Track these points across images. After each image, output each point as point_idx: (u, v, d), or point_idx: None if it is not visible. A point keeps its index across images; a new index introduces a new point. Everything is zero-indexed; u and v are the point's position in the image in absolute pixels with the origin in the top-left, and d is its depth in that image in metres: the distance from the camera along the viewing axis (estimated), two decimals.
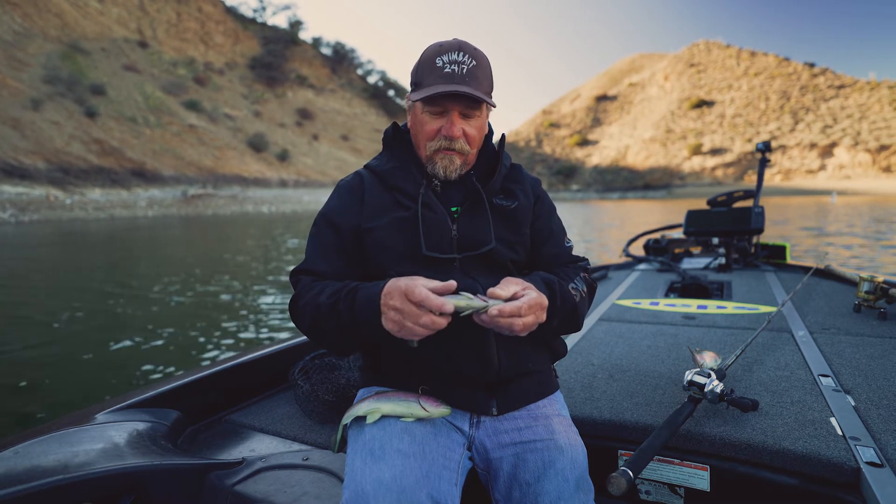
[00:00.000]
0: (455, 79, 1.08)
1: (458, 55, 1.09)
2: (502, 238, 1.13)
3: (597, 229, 22.25)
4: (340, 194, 1.23)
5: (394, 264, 1.09)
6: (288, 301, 1.14)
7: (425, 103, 1.13)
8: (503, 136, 1.29)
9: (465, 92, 1.06)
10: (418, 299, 0.88)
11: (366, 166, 1.28)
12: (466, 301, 0.91)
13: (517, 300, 0.94)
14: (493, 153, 1.27)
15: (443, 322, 0.90)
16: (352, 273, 1.15)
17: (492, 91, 1.17)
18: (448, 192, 1.20)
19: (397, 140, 1.26)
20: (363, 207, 1.18)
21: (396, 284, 0.92)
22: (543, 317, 0.98)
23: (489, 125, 1.27)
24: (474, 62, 1.10)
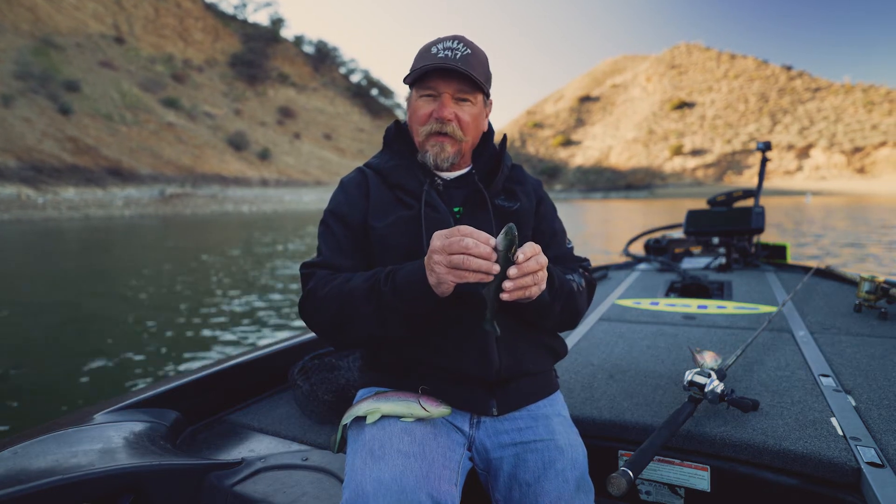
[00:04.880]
0: (448, 62, 1.09)
1: (452, 43, 1.11)
2: None
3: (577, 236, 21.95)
4: (346, 190, 1.23)
5: (398, 262, 1.07)
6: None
7: (418, 87, 1.14)
8: (504, 136, 1.30)
9: (454, 67, 1.07)
10: (464, 232, 0.88)
11: (366, 164, 1.28)
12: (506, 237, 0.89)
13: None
14: (494, 154, 1.27)
15: (489, 252, 0.87)
16: (365, 267, 1.15)
17: (488, 85, 1.17)
18: (450, 191, 1.20)
19: (399, 138, 1.26)
20: (369, 203, 1.18)
21: (438, 233, 0.93)
22: (543, 281, 0.96)
23: (490, 125, 1.28)
24: (469, 51, 1.11)
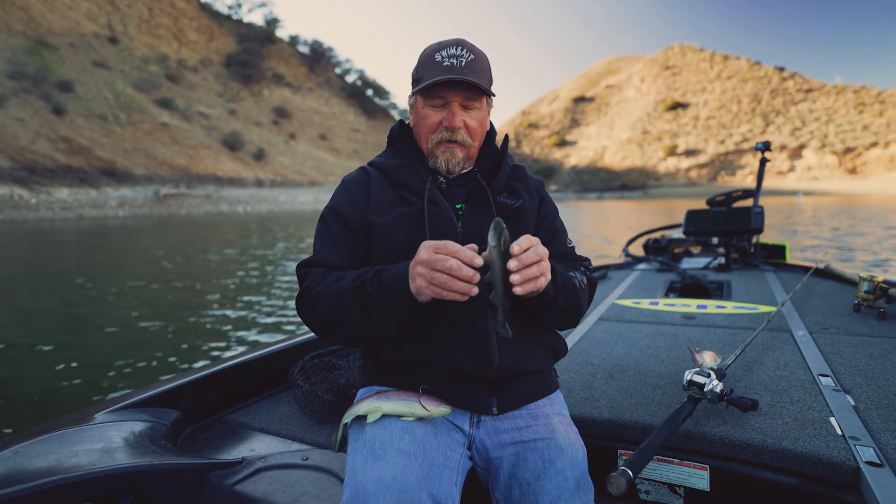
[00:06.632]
0: (454, 70, 1.10)
1: (456, 49, 1.12)
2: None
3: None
4: (347, 188, 1.23)
5: (399, 259, 1.07)
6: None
7: (426, 97, 1.15)
8: (506, 136, 1.31)
9: (463, 79, 1.09)
10: (450, 250, 0.89)
11: (370, 163, 1.29)
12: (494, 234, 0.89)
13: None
14: (496, 153, 1.28)
15: (472, 274, 0.88)
16: (362, 266, 1.14)
17: (491, 87, 1.19)
18: (453, 189, 1.21)
19: (403, 137, 1.27)
20: (370, 201, 1.19)
21: (425, 243, 0.93)
22: (548, 271, 0.96)
23: (491, 124, 1.29)
24: (473, 56, 1.12)
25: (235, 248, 16.51)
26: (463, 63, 1.10)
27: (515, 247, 0.89)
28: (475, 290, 0.89)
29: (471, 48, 1.13)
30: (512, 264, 0.88)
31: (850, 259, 10.84)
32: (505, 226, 0.89)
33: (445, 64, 1.10)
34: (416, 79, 1.16)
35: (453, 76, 1.08)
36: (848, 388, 1.50)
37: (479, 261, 0.88)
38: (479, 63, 1.13)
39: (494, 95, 1.20)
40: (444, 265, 0.87)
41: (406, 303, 0.97)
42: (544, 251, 0.94)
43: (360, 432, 1.06)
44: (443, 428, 1.09)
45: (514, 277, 0.88)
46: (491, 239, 0.88)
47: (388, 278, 0.99)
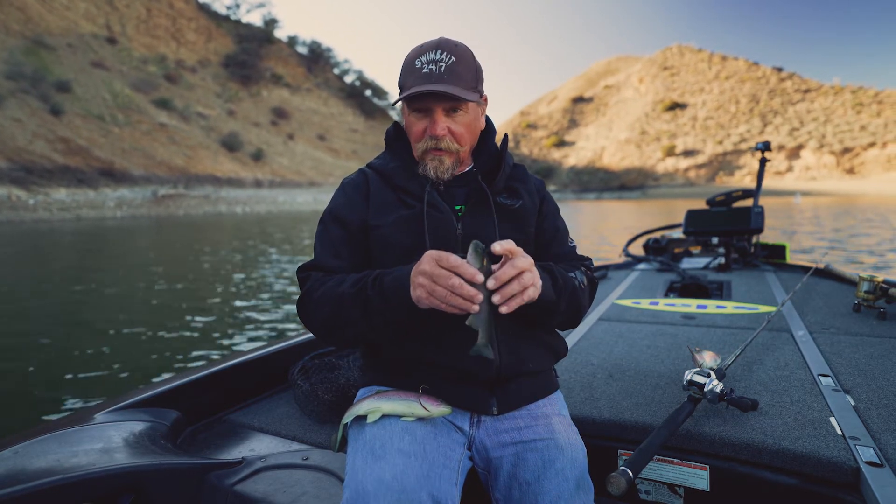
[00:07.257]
0: (433, 78, 1.07)
1: (435, 54, 1.09)
2: (507, 237, 1.10)
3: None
4: (346, 191, 1.23)
5: (398, 262, 1.06)
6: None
7: (409, 105, 1.14)
8: (506, 135, 1.30)
9: (436, 90, 1.06)
10: (451, 265, 0.87)
11: (368, 165, 1.28)
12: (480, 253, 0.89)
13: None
14: (495, 152, 1.27)
15: (474, 293, 0.87)
16: (362, 269, 1.14)
17: (479, 84, 1.16)
18: (452, 190, 1.20)
19: (399, 140, 1.26)
20: (369, 204, 1.18)
21: (429, 253, 0.92)
22: (534, 280, 0.94)
23: (490, 122, 1.28)
24: (453, 58, 1.10)
25: (233, 249, 16.47)
26: (443, 69, 1.08)
27: (497, 245, 0.89)
28: (476, 308, 0.88)
29: (452, 50, 1.10)
30: (490, 283, 0.88)
31: (854, 261, 10.84)
32: (485, 247, 0.88)
33: (424, 71, 1.08)
34: (400, 86, 1.14)
35: (430, 86, 1.06)
36: (848, 388, 1.50)
37: (480, 277, 0.87)
38: (461, 65, 1.10)
39: (481, 96, 1.18)
40: (446, 282, 0.87)
41: (406, 308, 0.97)
42: (525, 263, 0.92)
43: (360, 432, 1.05)
44: (443, 428, 1.08)
45: (494, 298, 0.88)
46: (473, 263, 0.88)
47: (389, 283, 0.99)
